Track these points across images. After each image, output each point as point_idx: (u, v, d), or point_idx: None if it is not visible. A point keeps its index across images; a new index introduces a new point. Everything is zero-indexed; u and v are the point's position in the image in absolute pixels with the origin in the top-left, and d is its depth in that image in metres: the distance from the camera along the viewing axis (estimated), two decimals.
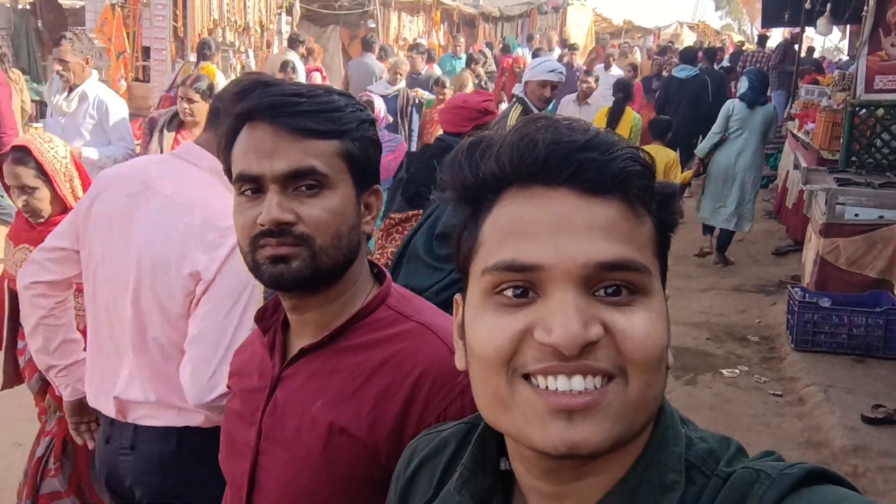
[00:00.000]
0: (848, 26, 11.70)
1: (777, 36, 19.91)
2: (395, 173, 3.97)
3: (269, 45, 11.60)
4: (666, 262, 0.74)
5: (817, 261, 5.24)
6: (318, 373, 1.11)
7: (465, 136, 3.25)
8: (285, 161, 1.04)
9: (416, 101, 7.92)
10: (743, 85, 7.14)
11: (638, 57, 13.82)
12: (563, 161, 0.67)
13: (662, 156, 6.51)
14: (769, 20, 12.24)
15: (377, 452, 1.05)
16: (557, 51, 13.58)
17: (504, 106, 5.95)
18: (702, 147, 7.26)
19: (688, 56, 10.34)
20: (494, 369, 0.68)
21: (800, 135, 7.87)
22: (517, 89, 5.75)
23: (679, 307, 5.70)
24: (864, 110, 6.00)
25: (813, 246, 5.46)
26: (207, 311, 1.70)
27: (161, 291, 1.74)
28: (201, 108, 4.24)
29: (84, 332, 2.06)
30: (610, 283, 0.66)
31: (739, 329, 5.65)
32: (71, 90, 4.94)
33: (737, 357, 5.16)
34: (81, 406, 2.07)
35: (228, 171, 1.10)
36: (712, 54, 11.27)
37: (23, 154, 2.56)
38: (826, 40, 14.51)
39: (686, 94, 9.29)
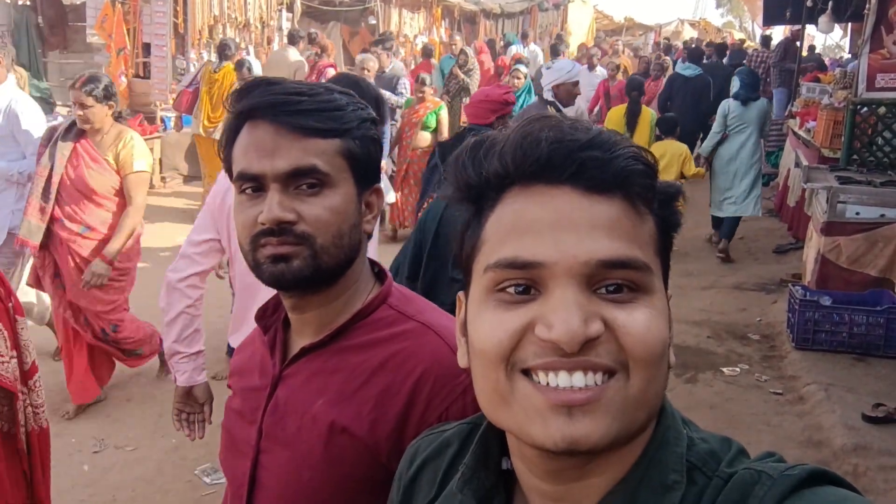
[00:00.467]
0: (849, 24, 11.68)
1: (778, 34, 19.90)
2: (429, 162, 4.28)
3: (269, 42, 11.60)
4: (668, 260, 0.74)
5: (818, 259, 5.23)
6: (319, 372, 1.10)
7: (490, 126, 3.65)
8: (286, 160, 1.03)
9: (385, 100, 7.76)
10: (735, 84, 7.64)
11: (622, 57, 13.46)
12: (566, 159, 0.67)
13: (676, 149, 7.04)
14: (770, 18, 12.21)
15: (378, 452, 1.04)
16: (533, 47, 13.58)
17: None
18: (705, 147, 7.67)
19: (694, 55, 10.81)
20: (494, 364, 0.68)
21: (801, 133, 7.86)
22: (547, 93, 5.75)
23: (680, 305, 5.69)
24: (865, 108, 5.98)
25: (814, 244, 5.45)
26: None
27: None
28: (98, 113, 3.88)
29: None
30: (611, 281, 0.67)
31: (740, 327, 5.65)
32: None
33: (737, 355, 5.15)
34: (189, 395, 2.34)
35: (229, 170, 1.10)
36: (723, 50, 12.07)
37: None
38: (827, 38, 14.49)
39: (689, 91, 9.61)
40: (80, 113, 3.88)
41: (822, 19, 9.12)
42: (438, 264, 2.92)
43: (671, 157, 6.98)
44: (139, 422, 4.20)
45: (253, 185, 1.05)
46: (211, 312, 4.56)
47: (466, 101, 9.54)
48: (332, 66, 9.47)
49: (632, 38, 22.65)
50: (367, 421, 1.05)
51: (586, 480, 0.71)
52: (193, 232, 2.41)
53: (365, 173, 1.11)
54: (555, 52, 11.78)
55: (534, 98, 4.16)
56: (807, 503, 0.64)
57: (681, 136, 7.39)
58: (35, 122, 4.43)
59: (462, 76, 10.44)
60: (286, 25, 12.08)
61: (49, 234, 4.02)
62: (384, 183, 6.40)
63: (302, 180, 1.04)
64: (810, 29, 11.47)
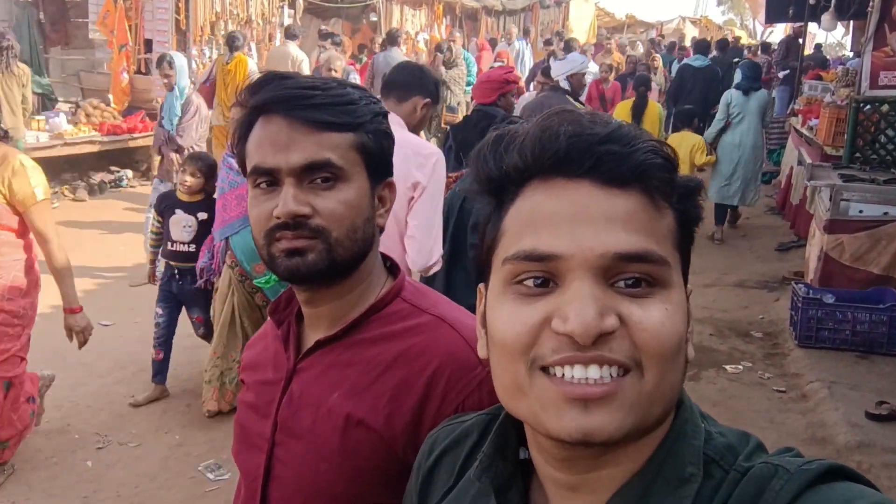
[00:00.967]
0: (851, 22, 11.66)
1: (777, 33, 19.88)
2: (445, 141, 4.60)
3: (271, 38, 11.58)
4: (688, 255, 0.74)
5: (821, 257, 5.23)
6: (333, 365, 1.10)
7: (494, 104, 4.25)
8: (301, 154, 1.03)
9: None
10: (737, 76, 8.17)
11: (615, 55, 13.24)
12: (584, 153, 0.68)
13: (691, 140, 7.54)
14: (773, 15, 12.21)
15: (394, 445, 1.05)
16: (517, 44, 13.51)
17: None
18: (709, 133, 8.06)
19: (701, 47, 11.37)
20: (514, 357, 0.69)
21: (803, 131, 7.86)
22: (563, 82, 5.99)
23: None
24: (868, 106, 5.98)
25: (817, 242, 5.45)
26: (423, 206, 2.72)
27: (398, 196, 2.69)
28: None
29: None
30: (628, 274, 0.67)
31: (743, 325, 5.65)
32: None
33: (740, 353, 5.16)
34: None
35: (242, 165, 1.10)
36: (725, 44, 12.59)
37: None
38: (828, 36, 14.49)
39: (699, 81, 10.17)
40: None
41: (825, 17, 9.11)
42: (459, 240, 3.18)
43: (687, 148, 7.39)
44: (143, 418, 4.20)
45: (267, 179, 1.05)
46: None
47: (448, 94, 9.51)
48: (351, 64, 9.59)
49: (633, 35, 22.63)
50: (382, 414, 1.05)
51: (602, 471, 0.71)
52: None
53: (378, 167, 1.11)
54: (568, 48, 11.85)
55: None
56: (823, 498, 0.64)
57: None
58: None
59: (442, 69, 10.07)
60: (288, 22, 12.07)
61: None
62: None
63: (316, 174, 1.04)
64: (812, 27, 11.47)
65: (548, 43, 12.13)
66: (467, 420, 0.91)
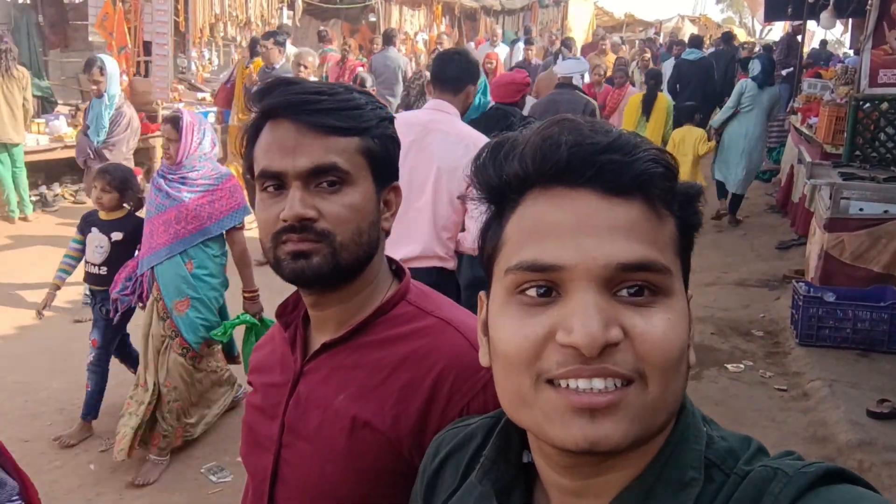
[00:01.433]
0: (850, 20, 11.66)
1: (777, 30, 19.87)
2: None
3: None
4: (689, 261, 0.74)
5: (822, 255, 5.23)
6: (340, 367, 1.12)
7: (515, 104, 4.69)
8: (308, 158, 1.04)
9: None
10: (755, 67, 8.32)
11: (608, 57, 12.98)
12: (585, 162, 0.68)
13: (694, 134, 8.09)
14: (772, 13, 12.22)
15: (400, 446, 1.06)
16: (502, 45, 13.43)
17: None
18: (717, 119, 8.55)
19: (695, 42, 12.19)
20: (518, 370, 0.69)
21: (803, 129, 7.86)
22: (577, 80, 6.31)
23: None
24: (868, 104, 5.97)
25: (817, 240, 5.45)
26: None
27: (451, 186, 3.09)
28: None
29: None
30: (631, 283, 0.67)
31: (744, 324, 5.65)
32: None
33: (741, 352, 5.16)
34: None
35: (251, 169, 1.11)
36: (729, 37, 13.81)
37: None
38: (826, 34, 14.52)
39: (695, 73, 10.67)
40: None
41: (824, 15, 9.11)
42: None
43: (690, 141, 7.93)
44: None
45: (274, 182, 1.07)
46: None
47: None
48: (361, 65, 9.72)
49: (632, 34, 22.64)
50: (389, 415, 1.06)
51: (605, 476, 0.71)
52: None
53: (384, 171, 1.12)
54: (567, 45, 11.95)
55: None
56: (822, 501, 0.64)
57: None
58: None
59: (427, 76, 9.73)
60: (287, 23, 12.08)
61: None
62: None
63: (322, 178, 1.05)
64: (810, 25, 11.47)
65: (567, 46, 12.10)
66: (472, 423, 0.92)
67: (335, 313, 1.13)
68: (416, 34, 15.54)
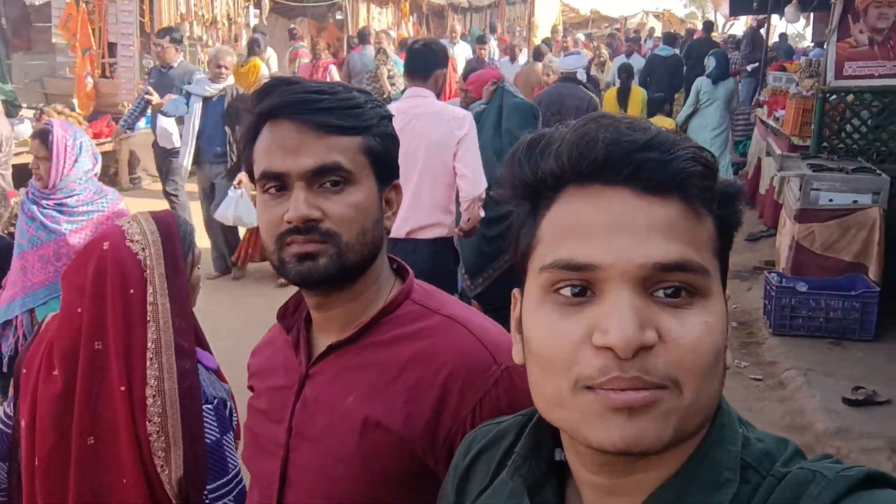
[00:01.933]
0: (812, 13, 11.85)
1: (739, 25, 20.16)
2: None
3: (237, 39, 11.46)
4: (727, 261, 0.73)
5: (792, 246, 5.31)
6: (347, 368, 1.10)
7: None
8: (311, 157, 1.03)
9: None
10: (710, 64, 8.94)
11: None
12: (623, 160, 0.67)
13: (663, 124, 8.36)
14: (738, 8, 12.35)
15: (413, 446, 1.05)
16: (462, 43, 13.39)
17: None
18: (680, 117, 9.15)
19: (668, 39, 13.11)
20: (556, 372, 0.68)
21: (769, 122, 7.97)
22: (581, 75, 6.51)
23: None
24: (834, 96, 6.08)
25: (788, 231, 5.54)
26: (468, 152, 3.67)
27: (443, 154, 3.62)
28: None
29: None
30: (668, 283, 0.66)
31: None
32: None
33: None
34: None
35: (250, 170, 1.10)
36: (710, 27, 14.96)
37: None
38: (788, 26, 14.77)
39: (666, 69, 11.30)
40: None
41: (789, 9, 9.25)
42: None
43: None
44: None
45: (277, 184, 1.05)
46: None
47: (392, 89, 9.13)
48: (333, 62, 9.72)
49: (598, 30, 22.79)
50: (401, 415, 1.05)
51: (639, 474, 0.71)
52: None
53: (385, 169, 1.12)
54: (547, 44, 12.06)
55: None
56: None
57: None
58: None
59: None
60: (254, 22, 11.96)
61: None
62: (229, 202, 6.04)
63: (326, 178, 1.04)
64: (773, 18, 11.64)
65: (481, 42, 12.30)
66: (504, 421, 0.91)
67: (340, 314, 1.12)
68: (386, 31, 15.48)
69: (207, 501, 1.61)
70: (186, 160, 6.27)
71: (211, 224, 6.47)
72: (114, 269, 1.56)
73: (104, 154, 9.64)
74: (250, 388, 1.27)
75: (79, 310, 1.57)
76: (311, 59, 9.97)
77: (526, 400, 1.05)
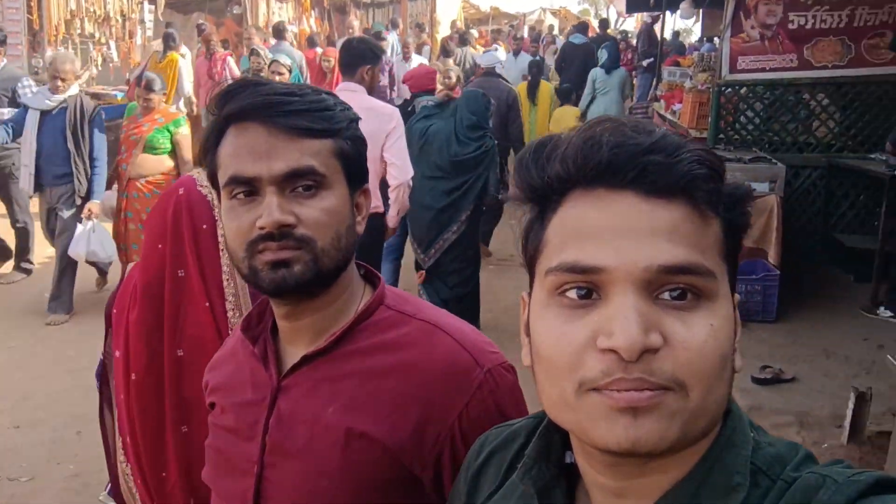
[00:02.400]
0: (701, 10, 12.37)
1: (630, 22, 20.85)
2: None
3: (131, 36, 11.01)
4: (736, 263, 0.73)
5: None
6: (325, 379, 1.07)
7: (433, 92, 5.43)
8: (284, 161, 0.99)
9: (97, 111, 5.71)
10: (603, 55, 9.86)
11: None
12: (628, 163, 0.67)
13: (572, 112, 9.04)
14: (634, 5, 12.77)
15: (400, 454, 1.03)
16: (389, 37, 13.36)
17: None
18: (581, 105, 9.68)
19: (580, 28, 13.65)
20: (561, 375, 0.68)
21: (667, 115, 8.27)
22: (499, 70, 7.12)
23: None
24: (729, 89, 6.37)
25: None
26: (395, 144, 4.07)
27: (374, 146, 3.47)
28: None
29: None
30: (673, 286, 0.66)
31: None
32: None
33: None
34: None
35: (213, 176, 1.05)
36: (606, 24, 15.65)
37: None
38: (676, 22, 15.44)
39: (579, 56, 11.80)
40: None
41: (683, 5, 9.63)
42: None
43: (568, 118, 8.74)
44: (31, 451, 3.91)
45: (246, 189, 1.01)
46: None
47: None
48: (230, 54, 9.48)
49: (497, 26, 23.07)
50: (386, 424, 1.03)
51: (649, 477, 0.71)
52: None
53: (356, 173, 1.09)
54: (463, 41, 12.46)
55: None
56: None
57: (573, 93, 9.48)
58: None
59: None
60: (148, 18, 11.51)
61: None
62: (80, 237, 5.84)
63: (299, 182, 1.01)
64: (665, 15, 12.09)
65: (463, 41, 12.33)
66: (516, 423, 0.91)
67: (311, 323, 1.08)
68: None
69: None
70: (27, 183, 5.56)
71: (61, 261, 5.62)
72: (188, 209, 1.77)
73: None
74: (211, 404, 1.22)
75: (160, 246, 1.78)
76: (206, 53, 9.42)
77: (510, 400, 1.06)
